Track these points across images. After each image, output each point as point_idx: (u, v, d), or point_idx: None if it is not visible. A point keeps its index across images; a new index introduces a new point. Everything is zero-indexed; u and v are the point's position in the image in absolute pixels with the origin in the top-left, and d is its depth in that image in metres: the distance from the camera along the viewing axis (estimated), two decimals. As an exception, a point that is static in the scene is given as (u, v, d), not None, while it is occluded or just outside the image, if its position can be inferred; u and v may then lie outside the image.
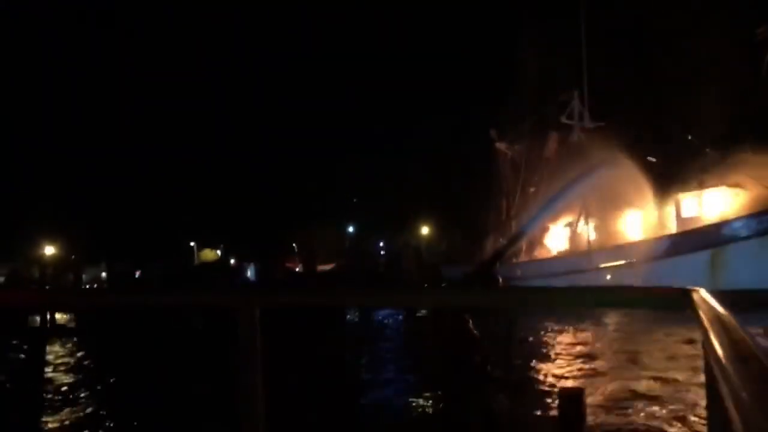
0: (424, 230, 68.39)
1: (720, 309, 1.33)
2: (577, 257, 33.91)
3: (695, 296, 1.57)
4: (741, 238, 27.76)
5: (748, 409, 0.75)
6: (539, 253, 38.46)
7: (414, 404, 10.64)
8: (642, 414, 10.06)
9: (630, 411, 10.12)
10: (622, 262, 31.10)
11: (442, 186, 55.13)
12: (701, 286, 1.87)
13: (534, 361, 12.65)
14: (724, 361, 0.95)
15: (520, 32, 39.05)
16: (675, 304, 1.72)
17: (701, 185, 30.51)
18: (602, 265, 31.57)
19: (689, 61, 32.17)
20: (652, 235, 30.82)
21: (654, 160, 32.76)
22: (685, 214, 30.86)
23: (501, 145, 40.24)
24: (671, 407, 10.30)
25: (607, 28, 35.24)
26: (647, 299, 1.99)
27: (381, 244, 69.05)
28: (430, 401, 10.27)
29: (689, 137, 31.78)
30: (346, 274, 51.09)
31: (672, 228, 30.75)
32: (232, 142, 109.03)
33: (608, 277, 31.14)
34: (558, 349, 15.16)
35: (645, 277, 28.50)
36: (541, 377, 11.42)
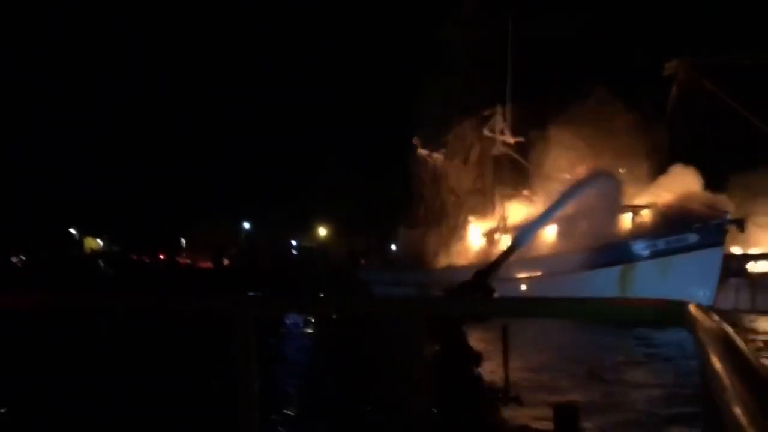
0: (323, 231, 67.73)
1: (717, 323, 1.32)
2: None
3: (691, 309, 1.53)
4: (646, 257, 29.77)
5: (746, 425, 0.74)
6: (451, 261, 38.73)
7: (408, 417, 10.19)
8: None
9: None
10: (538, 273, 32.24)
11: (353, 187, 54.81)
12: None
13: (532, 371, 12.56)
14: (722, 376, 0.95)
15: (447, 37, 39.50)
16: (671, 318, 1.67)
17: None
18: (517, 276, 32.49)
19: (607, 93, 34.27)
20: (569, 248, 32.12)
21: (568, 176, 34.26)
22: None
23: (423, 152, 40.58)
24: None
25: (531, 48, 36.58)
26: (644, 312, 1.94)
27: (294, 243, 67.53)
28: (424, 414, 9.84)
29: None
30: (253, 272, 48.96)
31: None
32: (122, 124, 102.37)
33: (522, 287, 32.13)
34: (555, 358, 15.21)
35: (558, 289, 29.70)
36: (538, 389, 11.27)
